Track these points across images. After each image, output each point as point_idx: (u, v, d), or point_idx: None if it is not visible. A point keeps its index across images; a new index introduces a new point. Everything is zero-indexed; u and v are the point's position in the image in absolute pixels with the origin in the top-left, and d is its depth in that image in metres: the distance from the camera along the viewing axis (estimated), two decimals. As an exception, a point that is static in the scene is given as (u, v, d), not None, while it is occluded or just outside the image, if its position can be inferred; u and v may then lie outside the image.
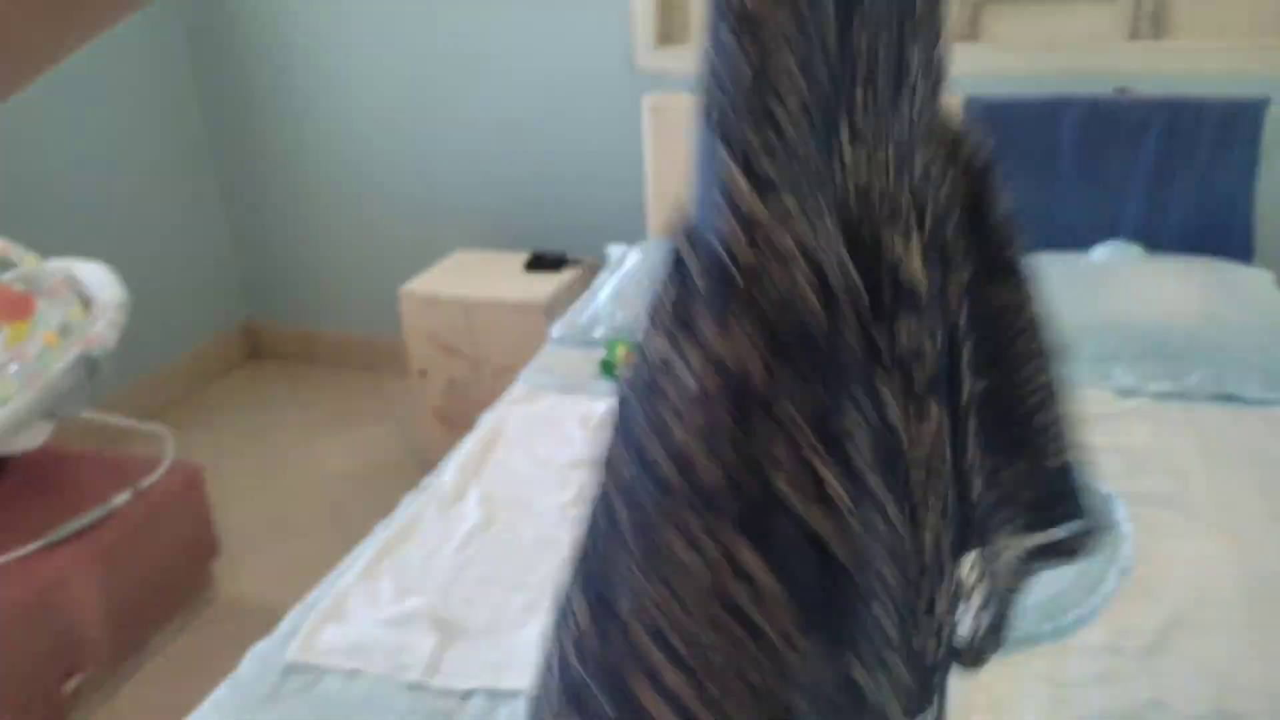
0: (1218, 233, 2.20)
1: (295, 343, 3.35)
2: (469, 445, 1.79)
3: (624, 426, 0.44)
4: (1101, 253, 2.19)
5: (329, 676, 1.28)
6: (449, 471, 1.71)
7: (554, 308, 2.52)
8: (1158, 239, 2.21)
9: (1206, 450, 1.66)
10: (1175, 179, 2.20)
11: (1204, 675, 1.19)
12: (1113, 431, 1.72)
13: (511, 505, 1.61)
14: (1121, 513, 1.49)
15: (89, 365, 1.66)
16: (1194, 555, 1.41)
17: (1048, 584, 1.35)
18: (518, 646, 1.29)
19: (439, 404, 2.70)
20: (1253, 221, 2.20)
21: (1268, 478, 1.58)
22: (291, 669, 1.30)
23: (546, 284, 2.62)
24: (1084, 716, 1.15)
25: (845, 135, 0.42)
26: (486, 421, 1.87)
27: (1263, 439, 1.68)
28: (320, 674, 1.29)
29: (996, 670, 1.25)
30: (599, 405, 1.87)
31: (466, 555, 1.49)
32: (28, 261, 1.66)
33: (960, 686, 1.16)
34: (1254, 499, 1.53)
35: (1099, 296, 2.00)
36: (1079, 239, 2.23)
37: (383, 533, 1.56)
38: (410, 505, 1.63)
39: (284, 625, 1.38)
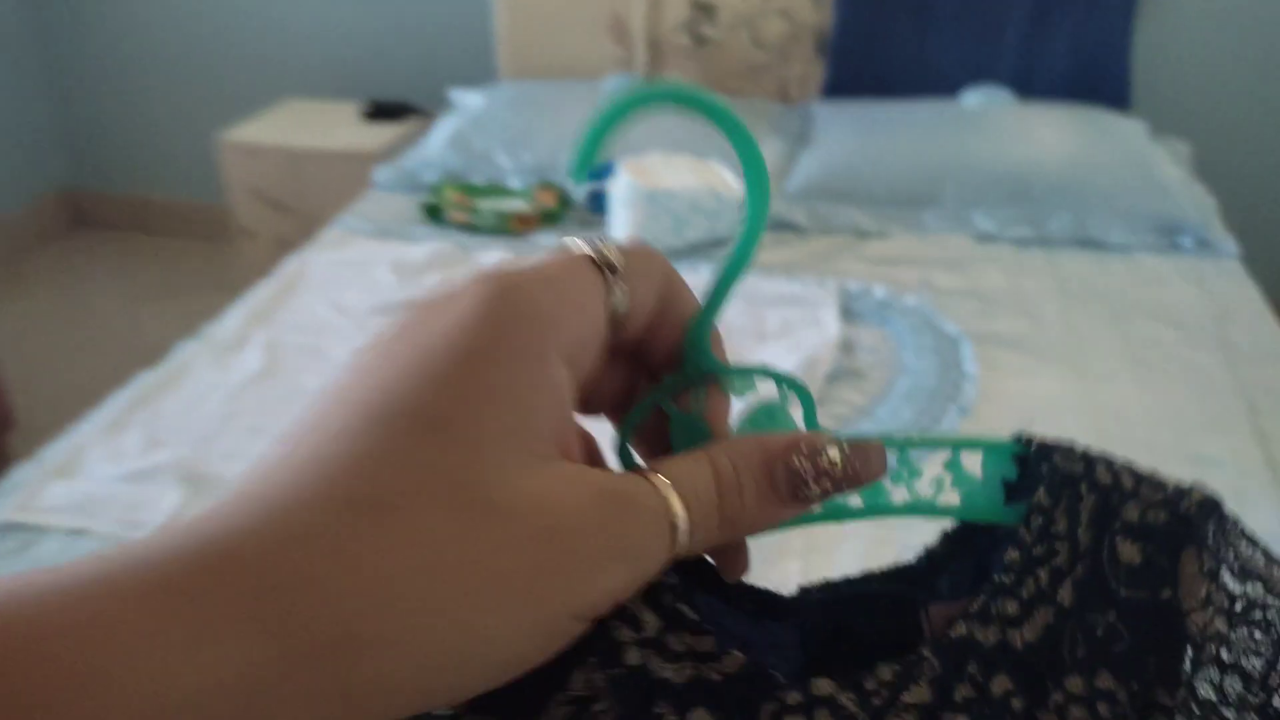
0: (1094, 80, 2.09)
1: (123, 211, 3.01)
2: (260, 291, 1.57)
3: None
4: (972, 98, 2.05)
5: (49, 537, 1.08)
6: (231, 317, 1.49)
7: (391, 158, 2.27)
8: (1032, 84, 2.08)
9: (1063, 294, 1.56)
10: (1052, 22, 2.07)
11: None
12: (968, 275, 1.61)
13: (300, 353, 1.41)
14: (967, 352, 1.37)
15: None
16: (1040, 394, 1.30)
17: (884, 423, 1.23)
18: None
19: (269, 267, 2.45)
20: (1129, 69, 2.09)
21: (1124, 322, 1.48)
22: (6, 529, 1.09)
23: (384, 133, 2.37)
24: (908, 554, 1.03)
25: None
26: (287, 266, 1.65)
27: (1122, 285, 1.59)
28: (39, 535, 1.09)
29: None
30: (416, 250, 1.67)
31: (238, 406, 1.30)
32: None
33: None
34: (1108, 341, 1.43)
35: (964, 141, 1.87)
36: (951, 82, 2.08)
37: (141, 381, 1.34)
38: (180, 353, 1.42)
39: (5, 484, 1.17)
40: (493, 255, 1.66)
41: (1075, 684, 0.24)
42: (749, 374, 0.25)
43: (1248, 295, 1.55)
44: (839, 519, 0.26)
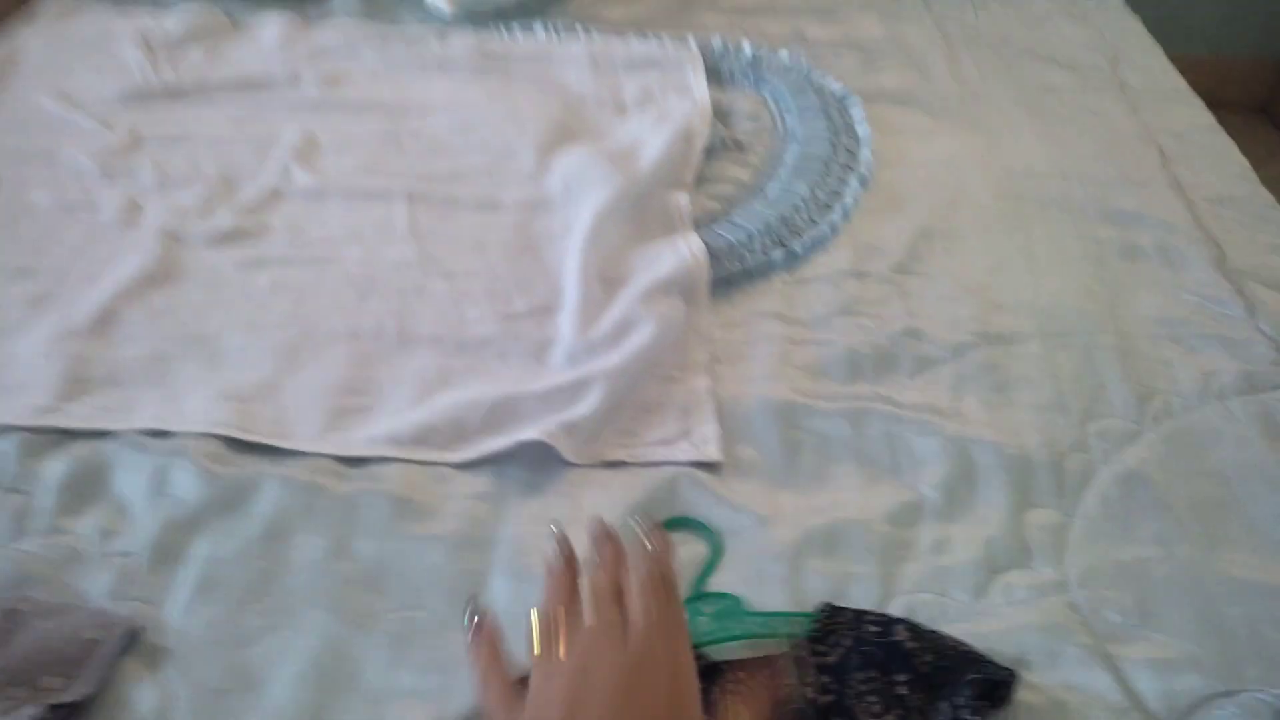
0: None
1: None
2: (-44, 82, 1.19)
3: None
4: None
5: None
6: (-84, 121, 1.11)
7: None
8: None
9: (947, 41, 1.39)
10: None
11: (962, 294, 0.95)
12: (842, 24, 1.41)
13: (24, 161, 1.07)
14: (858, 113, 1.19)
15: None
16: (941, 156, 1.15)
17: (778, 204, 1.04)
18: (18, 356, 0.84)
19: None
20: None
21: (1015, 68, 1.33)
22: None
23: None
24: (829, 357, 0.88)
25: None
26: (-9, 49, 1.26)
27: (1005, 27, 1.43)
28: None
29: (717, 313, 0.96)
30: (169, 20, 1.30)
31: (-56, 237, 0.97)
32: None
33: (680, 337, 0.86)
34: (1001, 90, 1.28)
35: None
36: None
37: None
38: None
39: None
40: (271, 27, 1.31)
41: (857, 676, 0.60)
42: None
43: (1134, 30, 1.43)
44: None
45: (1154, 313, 0.94)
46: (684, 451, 0.79)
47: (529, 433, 0.77)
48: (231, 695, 0.61)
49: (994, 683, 0.63)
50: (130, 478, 0.74)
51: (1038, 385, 0.87)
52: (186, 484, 0.73)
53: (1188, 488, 0.79)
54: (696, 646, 0.66)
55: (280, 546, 0.70)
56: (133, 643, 0.64)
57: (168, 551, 0.69)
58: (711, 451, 0.79)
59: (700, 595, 0.69)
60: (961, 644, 0.66)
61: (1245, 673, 0.66)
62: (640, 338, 0.85)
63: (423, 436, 0.78)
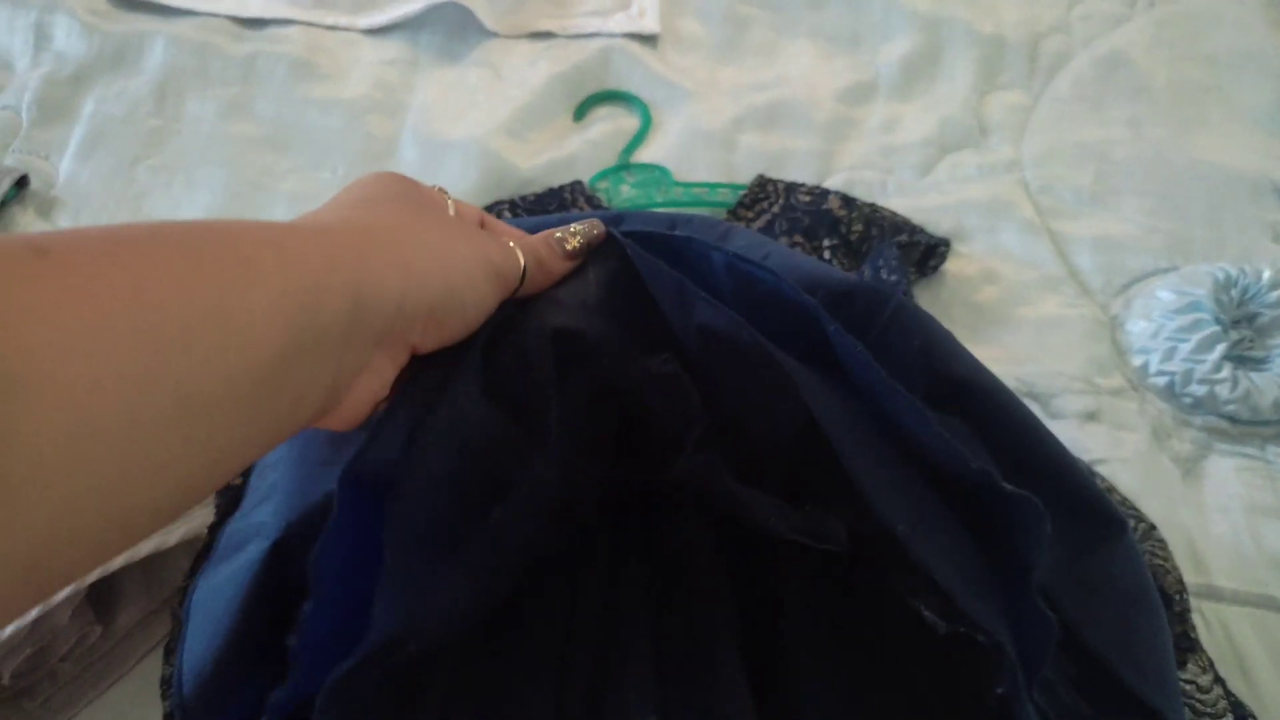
0: None
1: None
2: None
3: None
4: None
5: None
6: None
7: None
8: None
9: None
10: None
11: None
12: None
13: None
14: None
15: None
16: None
17: None
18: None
19: None
20: None
21: None
22: None
23: None
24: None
25: None
26: None
27: None
28: None
29: None
30: None
31: None
32: None
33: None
34: None
35: None
36: None
37: None
38: None
39: None
40: None
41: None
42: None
43: None
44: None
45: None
46: (619, 23, 0.72)
47: (445, -5, 0.70)
48: (124, 243, 0.59)
49: (927, 251, 0.61)
50: (8, 33, 0.68)
51: (1025, -36, 0.77)
52: (69, 40, 0.67)
53: (1171, 71, 0.72)
54: (619, 211, 0.62)
55: (173, 104, 0.65)
56: (22, 191, 0.61)
57: (54, 107, 0.65)
58: (650, 23, 0.72)
59: (625, 166, 0.65)
60: (896, 215, 0.62)
61: (1195, 253, 0.63)
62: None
63: (327, 0, 0.71)
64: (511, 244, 0.32)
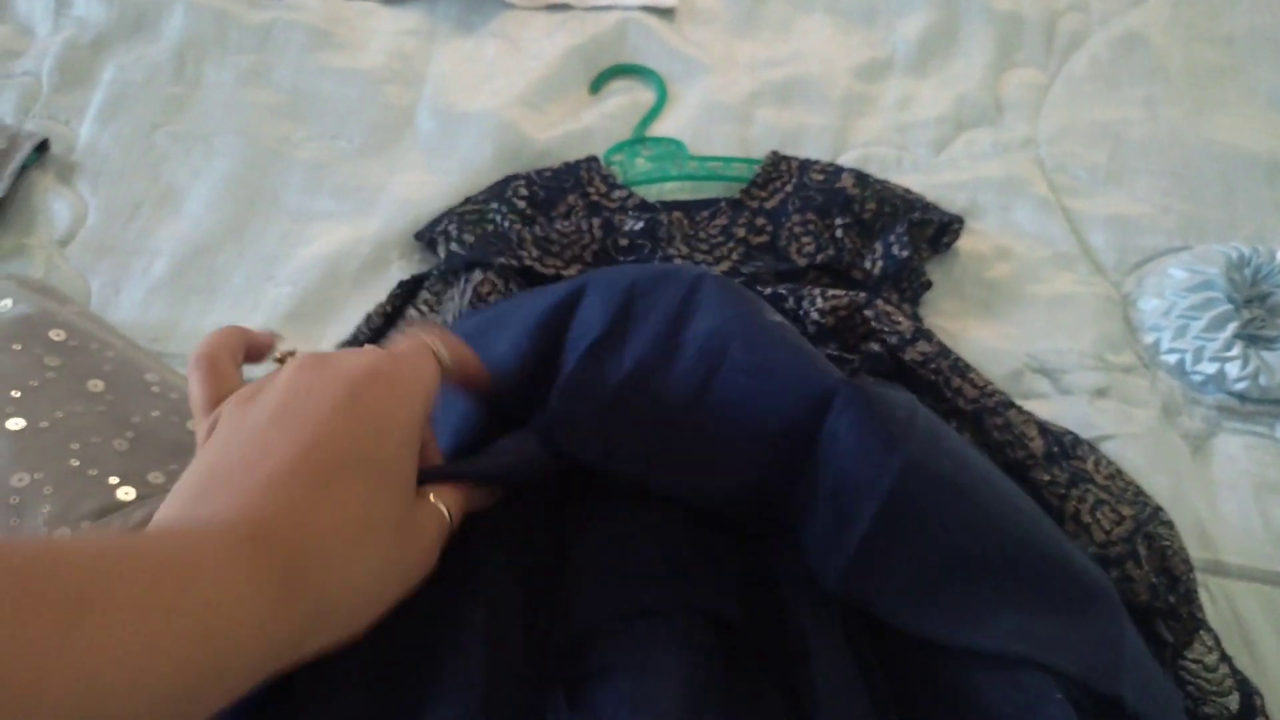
0: None
1: None
2: None
3: None
4: None
5: None
6: None
7: None
8: None
9: None
10: None
11: None
12: None
13: None
14: None
15: None
16: None
17: None
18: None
19: None
20: None
21: None
22: None
23: None
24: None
25: None
26: None
27: None
28: None
29: None
30: None
31: None
32: None
33: None
34: None
35: None
36: None
37: None
38: None
39: None
40: None
41: (794, 219, 0.59)
42: None
43: None
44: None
45: None
46: (637, -4, 0.72)
47: (464, -33, 0.70)
48: (146, 206, 0.60)
49: (940, 229, 0.61)
50: (30, -1, 0.68)
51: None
52: (89, 6, 0.67)
53: (1187, 51, 0.72)
54: (632, 186, 0.63)
55: (192, 70, 0.66)
56: (43, 155, 0.61)
57: (74, 73, 0.65)
58: (667, -4, 0.72)
59: (641, 139, 0.65)
60: (910, 193, 0.62)
61: (1208, 232, 0.63)
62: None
63: (348, -31, 0.71)
64: (432, 498, 0.30)
